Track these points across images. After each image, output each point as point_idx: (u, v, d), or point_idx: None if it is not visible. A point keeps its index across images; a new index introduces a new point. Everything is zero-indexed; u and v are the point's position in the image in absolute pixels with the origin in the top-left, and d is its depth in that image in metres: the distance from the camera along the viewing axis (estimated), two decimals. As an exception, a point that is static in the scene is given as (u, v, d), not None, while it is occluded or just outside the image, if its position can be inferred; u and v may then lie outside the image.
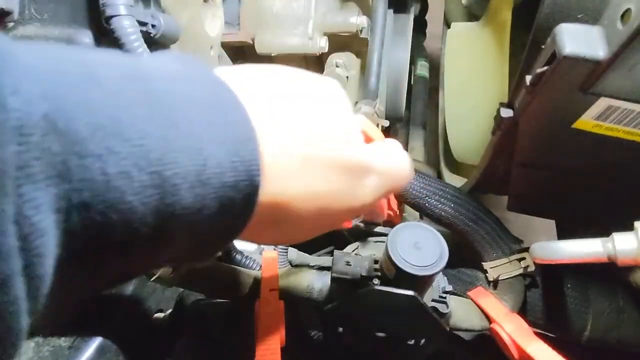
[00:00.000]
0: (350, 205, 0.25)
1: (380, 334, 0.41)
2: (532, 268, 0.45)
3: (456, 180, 0.65)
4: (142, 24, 0.36)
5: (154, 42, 0.38)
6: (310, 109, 0.23)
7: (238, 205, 0.19)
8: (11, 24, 0.36)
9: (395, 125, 0.86)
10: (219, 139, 0.18)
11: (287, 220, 0.22)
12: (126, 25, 0.33)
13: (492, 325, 0.43)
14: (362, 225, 0.50)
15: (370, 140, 0.38)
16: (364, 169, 0.25)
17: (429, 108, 0.93)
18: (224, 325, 0.48)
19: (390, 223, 0.52)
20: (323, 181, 0.23)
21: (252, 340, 0.36)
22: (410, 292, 0.38)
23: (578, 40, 0.30)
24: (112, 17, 0.32)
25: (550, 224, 0.64)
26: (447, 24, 0.90)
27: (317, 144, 0.22)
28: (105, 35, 0.37)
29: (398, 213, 0.51)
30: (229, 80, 0.20)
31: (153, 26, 0.37)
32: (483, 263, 0.47)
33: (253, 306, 0.39)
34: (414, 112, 0.92)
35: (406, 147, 0.85)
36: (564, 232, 0.62)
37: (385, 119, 0.70)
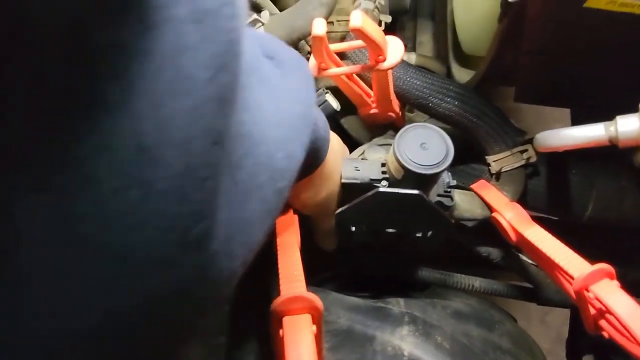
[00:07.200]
0: None
1: (390, 230, 0.45)
2: (534, 159, 0.46)
3: (465, 74, 0.62)
4: None
5: None
6: None
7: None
8: None
9: (401, 19, 0.81)
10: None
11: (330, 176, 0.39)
12: None
13: (493, 214, 0.46)
14: None
15: (371, 41, 0.36)
16: None
17: (437, -4, 0.85)
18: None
19: (393, 126, 0.52)
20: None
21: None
22: (415, 191, 0.40)
23: None
24: None
25: (564, 112, 0.63)
26: None
27: None
28: None
29: (400, 115, 0.51)
30: None
31: None
32: (486, 157, 0.48)
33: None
34: (421, 2, 0.85)
35: (414, 42, 0.81)
36: (578, 121, 0.62)
37: (389, 13, 0.66)
